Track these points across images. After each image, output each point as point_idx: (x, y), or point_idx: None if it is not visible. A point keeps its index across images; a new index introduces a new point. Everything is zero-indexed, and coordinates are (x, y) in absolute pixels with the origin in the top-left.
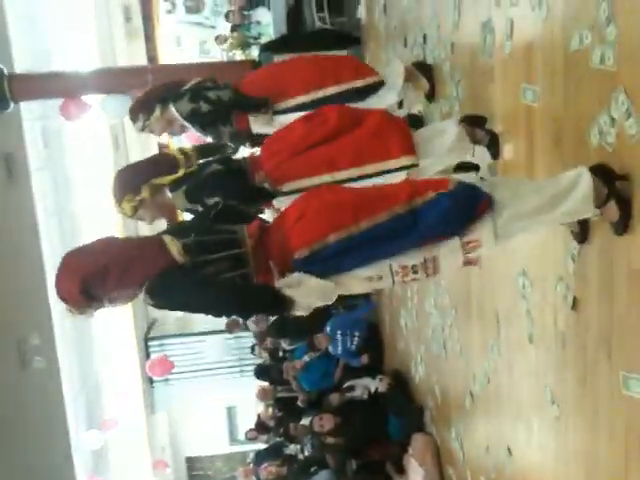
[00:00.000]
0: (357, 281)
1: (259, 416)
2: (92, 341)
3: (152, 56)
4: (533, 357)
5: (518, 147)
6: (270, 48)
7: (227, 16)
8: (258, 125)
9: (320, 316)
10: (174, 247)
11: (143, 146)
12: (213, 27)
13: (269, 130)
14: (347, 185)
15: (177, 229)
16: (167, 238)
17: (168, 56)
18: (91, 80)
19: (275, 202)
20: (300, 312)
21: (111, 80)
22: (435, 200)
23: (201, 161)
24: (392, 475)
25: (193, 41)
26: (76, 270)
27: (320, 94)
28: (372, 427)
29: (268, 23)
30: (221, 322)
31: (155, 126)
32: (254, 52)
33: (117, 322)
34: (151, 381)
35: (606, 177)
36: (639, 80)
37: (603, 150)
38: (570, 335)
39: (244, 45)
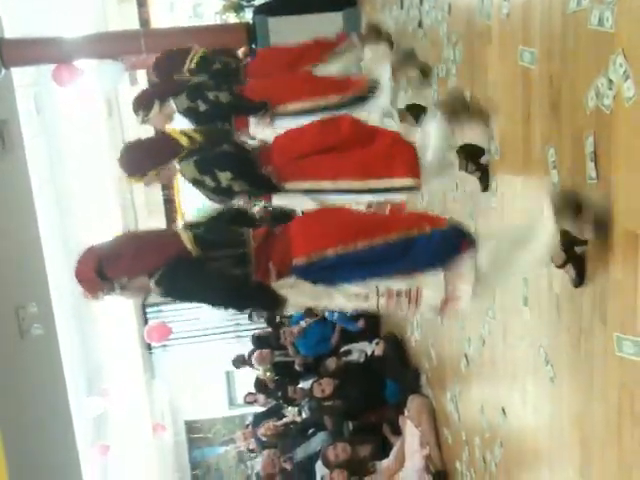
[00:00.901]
0: (345, 296)
1: (258, 377)
2: (90, 308)
3: (144, 20)
4: (528, 320)
5: (515, 112)
6: (264, 11)
7: None
8: (258, 128)
9: None
10: (186, 237)
11: None
12: None
13: (268, 134)
14: (348, 197)
15: (192, 224)
16: (181, 229)
17: (161, 20)
18: (83, 45)
19: (275, 198)
20: (291, 310)
21: (103, 45)
22: (429, 235)
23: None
24: (388, 436)
25: (186, 4)
26: (94, 252)
27: (322, 102)
28: (369, 390)
29: None
30: None
31: (155, 121)
32: (248, 15)
33: None
34: (149, 347)
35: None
36: (638, 42)
37: (600, 113)
38: (565, 298)
39: (237, 8)
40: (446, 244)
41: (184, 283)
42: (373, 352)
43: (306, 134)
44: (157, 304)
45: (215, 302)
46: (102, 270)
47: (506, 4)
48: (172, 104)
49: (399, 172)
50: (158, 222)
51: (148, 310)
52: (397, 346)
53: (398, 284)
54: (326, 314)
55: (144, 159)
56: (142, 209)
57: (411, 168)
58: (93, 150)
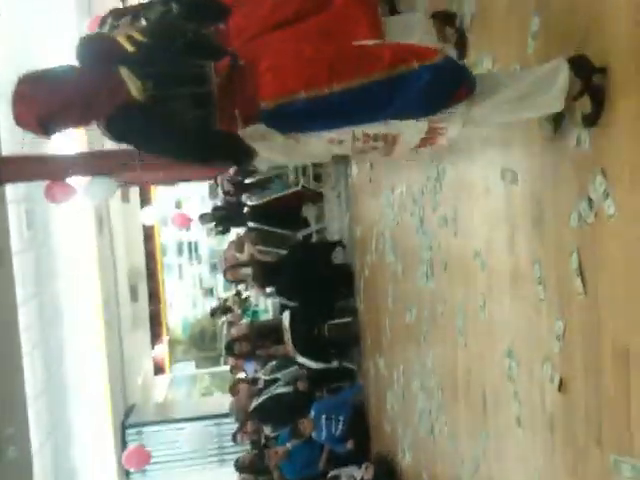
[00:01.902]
0: (318, 142)
1: None
2: (69, 427)
3: None
4: (522, 441)
5: (499, 227)
6: None
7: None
8: None
9: (304, 400)
10: (133, 85)
11: (127, 229)
12: None
13: None
14: None
15: (138, 59)
16: (125, 73)
17: None
18: (78, 163)
19: None
20: (260, 166)
21: (97, 163)
22: (417, 73)
23: None
24: None
25: None
26: (34, 105)
27: None
28: None
29: None
30: (202, 409)
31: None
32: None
33: (94, 408)
34: (127, 473)
35: (583, 70)
36: (616, 161)
37: (583, 230)
38: (558, 417)
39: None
40: (439, 87)
41: (136, 131)
42: (362, 478)
43: (261, 7)
44: (137, 425)
45: (175, 148)
46: (47, 125)
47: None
48: (143, 20)
49: (359, 35)
50: (142, 336)
51: (128, 432)
52: (388, 469)
53: (376, 129)
54: (313, 434)
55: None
56: (127, 321)
57: (372, 30)
58: (82, 265)
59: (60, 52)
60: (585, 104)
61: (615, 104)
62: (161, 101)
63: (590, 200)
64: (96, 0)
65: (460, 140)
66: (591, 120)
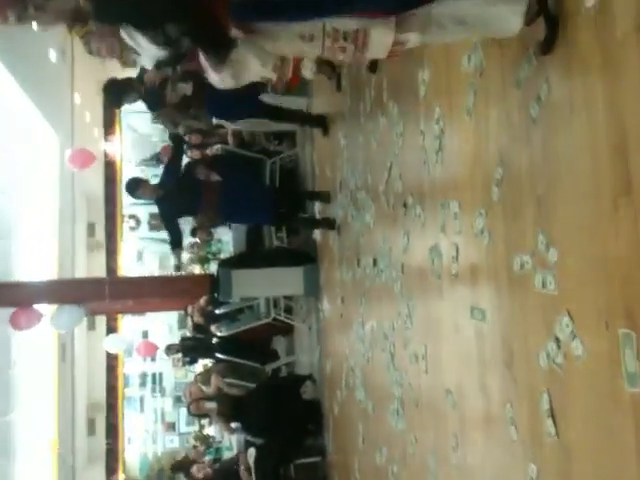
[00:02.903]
0: (289, 37)
1: None
2: None
3: (112, 268)
4: None
5: (470, 367)
6: (228, 264)
7: (193, 232)
8: None
9: None
10: None
11: (90, 356)
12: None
13: None
14: None
15: None
16: None
17: (128, 268)
18: (47, 290)
19: None
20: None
21: (67, 291)
22: None
23: None
24: None
25: (154, 255)
26: None
27: None
28: None
29: (228, 241)
30: None
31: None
32: (212, 267)
33: None
34: None
35: None
36: (581, 303)
37: (553, 371)
38: None
39: (203, 260)
40: None
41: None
42: None
43: None
44: None
45: (156, 18)
46: None
47: (455, 265)
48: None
49: None
50: (97, 473)
51: None
52: None
53: (346, 25)
54: None
55: None
56: (82, 456)
57: None
58: (40, 394)
59: None
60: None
61: None
62: None
63: (558, 340)
64: None
65: (429, 274)
66: (546, 47)
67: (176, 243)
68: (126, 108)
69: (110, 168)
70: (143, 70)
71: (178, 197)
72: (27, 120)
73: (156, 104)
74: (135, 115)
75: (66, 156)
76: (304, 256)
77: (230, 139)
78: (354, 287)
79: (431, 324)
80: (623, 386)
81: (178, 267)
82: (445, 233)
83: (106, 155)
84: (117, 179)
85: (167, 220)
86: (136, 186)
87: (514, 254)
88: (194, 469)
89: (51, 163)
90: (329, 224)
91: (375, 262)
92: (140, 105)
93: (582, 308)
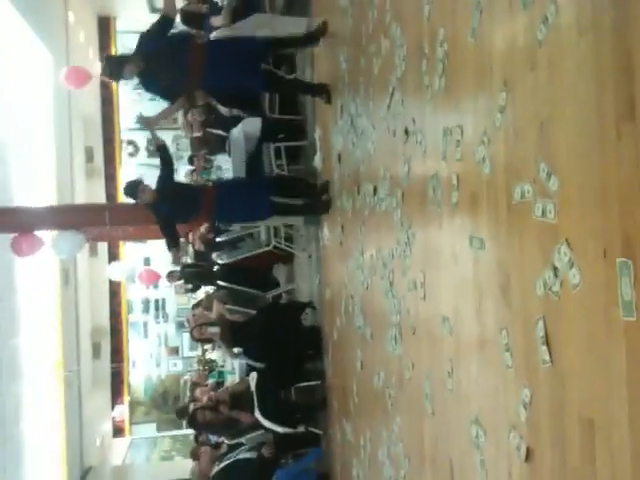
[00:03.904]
0: None
1: None
2: None
3: (111, 194)
4: None
5: (466, 294)
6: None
7: (191, 160)
8: None
9: (267, 467)
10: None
11: (93, 282)
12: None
13: None
14: None
15: None
16: None
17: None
18: (47, 216)
19: None
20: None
21: (68, 217)
22: None
23: None
24: None
25: (153, 181)
26: None
27: None
28: None
29: (228, 168)
30: (162, 474)
31: None
32: None
33: (49, 470)
34: None
35: None
36: (580, 232)
37: (549, 298)
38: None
39: None
40: None
41: None
42: None
43: None
44: None
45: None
46: None
47: (455, 194)
48: None
49: None
50: (103, 396)
51: None
52: None
53: None
54: None
55: None
56: (87, 380)
57: None
58: (44, 320)
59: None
60: None
61: None
62: None
63: (555, 268)
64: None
65: (429, 202)
66: None
67: (172, 244)
68: (120, 27)
69: (106, 89)
70: None
71: (176, 201)
72: (19, 39)
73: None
74: (130, 35)
75: (61, 75)
76: (304, 184)
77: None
78: (354, 215)
79: (430, 252)
80: (618, 314)
81: (176, 261)
82: (446, 161)
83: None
84: (114, 101)
85: (164, 224)
86: (136, 189)
87: (515, 183)
88: (197, 392)
89: (45, 84)
90: (323, 90)
91: (375, 190)
92: (135, 25)
93: (581, 237)
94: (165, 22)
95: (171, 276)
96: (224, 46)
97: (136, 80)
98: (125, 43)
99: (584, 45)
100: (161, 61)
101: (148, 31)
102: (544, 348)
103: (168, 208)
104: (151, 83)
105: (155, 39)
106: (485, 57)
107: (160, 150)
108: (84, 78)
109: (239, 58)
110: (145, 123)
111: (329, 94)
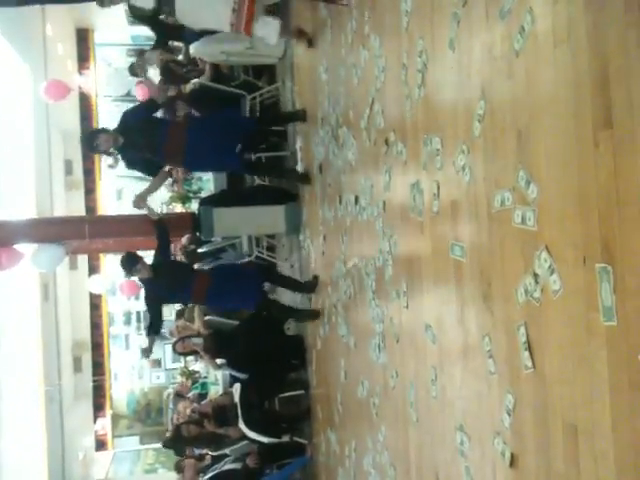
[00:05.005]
0: None
1: None
2: None
3: (91, 207)
4: None
5: (449, 301)
6: (209, 202)
7: (169, 172)
8: None
9: (253, 477)
10: None
11: (73, 296)
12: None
13: None
14: None
15: None
16: None
17: (107, 208)
18: (26, 229)
19: None
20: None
21: (47, 230)
22: None
23: None
24: None
25: (133, 194)
26: None
27: None
28: None
29: (209, 179)
30: None
31: None
32: (194, 205)
33: None
34: None
35: None
36: (559, 239)
37: (530, 304)
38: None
39: (184, 199)
40: None
41: None
42: None
43: None
44: None
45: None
46: None
47: (436, 202)
48: None
49: None
50: (85, 409)
51: None
52: None
53: None
54: None
55: None
56: (69, 393)
57: None
58: (24, 334)
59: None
60: None
61: None
62: None
63: (536, 275)
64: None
65: (410, 211)
66: None
67: (154, 329)
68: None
69: (85, 102)
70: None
71: (168, 280)
72: None
73: None
74: (110, 48)
75: (40, 88)
76: (286, 194)
77: (207, 72)
78: (336, 225)
79: (412, 261)
80: (599, 319)
81: (146, 351)
82: (427, 170)
83: (81, 89)
84: (93, 114)
85: (152, 303)
86: (132, 266)
87: (495, 191)
88: (180, 406)
89: (24, 97)
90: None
91: (357, 200)
92: (114, 37)
93: (561, 243)
94: (151, 106)
95: None
96: (205, 129)
97: (115, 92)
98: (104, 55)
99: (560, 54)
100: (142, 137)
101: (133, 108)
102: (526, 354)
103: (160, 288)
104: (132, 156)
105: (138, 118)
106: (463, 67)
107: (157, 228)
108: (64, 91)
109: (221, 140)
110: (135, 204)
111: (305, 115)
